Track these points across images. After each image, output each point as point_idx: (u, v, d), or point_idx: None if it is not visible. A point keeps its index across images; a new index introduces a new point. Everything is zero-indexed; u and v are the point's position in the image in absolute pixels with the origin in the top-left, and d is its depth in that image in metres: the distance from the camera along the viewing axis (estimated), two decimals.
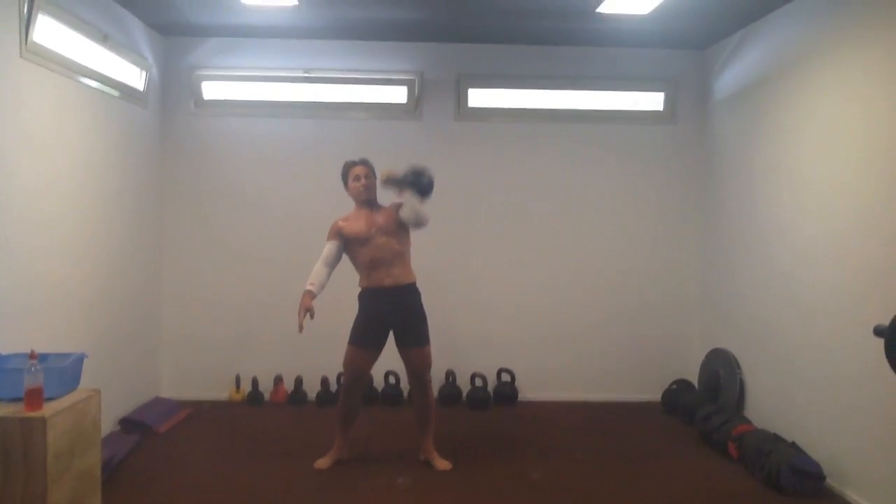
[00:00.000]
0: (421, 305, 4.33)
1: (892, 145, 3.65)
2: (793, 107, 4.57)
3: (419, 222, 4.20)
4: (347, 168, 4.38)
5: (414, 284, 4.33)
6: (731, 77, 5.43)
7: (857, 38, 3.97)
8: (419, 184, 4.19)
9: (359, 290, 4.32)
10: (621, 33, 5.38)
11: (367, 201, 4.31)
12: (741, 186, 5.25)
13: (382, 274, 4.20)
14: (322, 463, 4.31)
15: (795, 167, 4.53)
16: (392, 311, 4.23)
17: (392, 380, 5.68)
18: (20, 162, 3.73)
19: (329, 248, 4.25)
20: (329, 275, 4.23)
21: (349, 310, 4.32)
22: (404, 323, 4.26)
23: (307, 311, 4.07)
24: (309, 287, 4.13)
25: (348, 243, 4.26)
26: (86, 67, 4.40)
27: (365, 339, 4.26)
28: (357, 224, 4.24)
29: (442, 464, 4.31)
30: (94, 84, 4.50)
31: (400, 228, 4.24)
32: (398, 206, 4.25)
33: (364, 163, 4.37)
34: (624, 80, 5.89)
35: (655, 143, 5.94)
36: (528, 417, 5.42)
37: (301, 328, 4.07)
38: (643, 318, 5.98)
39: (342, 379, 4.52)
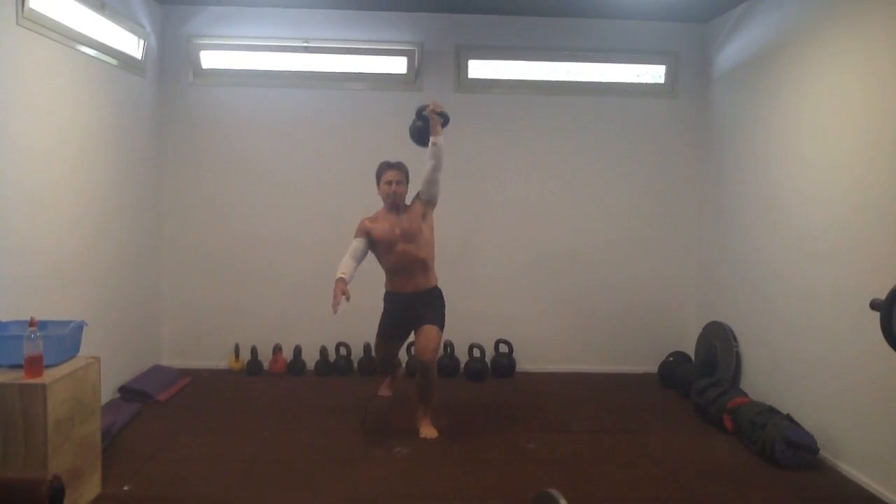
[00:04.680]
0: (439, 300, 4.48)
1: (893, 122, 3.63)
2: (794, 82, 4.53)
3: (444, 114, 4.35)
4: (382, 169, 4.42)
5: (435, 288, 4.49)
6: (732, 51, 5.39)
7: (860, 13, 3.93)
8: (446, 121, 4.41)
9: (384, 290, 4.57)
10: (623, 5, 5.32)
11: (395, 206, 4.39)
12: (741, 161, 5.23)
13: (403, 281, 4.41)
14: (384, 391, 4.96)
15: (796, 143, 4.51)
16: (411, 315, 4.42)
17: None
18: (17, 130, 3.71)
19: (356, 244, 4.37)
20: (356, 268, 4.32)
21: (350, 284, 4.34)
22: (420, 314, 4.38)
23: (343, 293, 4.11)
24: (341, 275, 4.20)
25: (374, 245, 4.40)
26: (83, 35, 4.36)
27: (388, 335, 4.63)
28: (382, 227, 4.35)
29: (426, 432, 4.36)
30: (91, 52, 4.47)
31: (421, 232, 4.36)
32: (420, 207, 4.40)
33: (399, 167, 4.42)
34: (625, 53, 5.84)
35: (656, 116, 5.91)
36: (525, 388, 5.46)
37: (336, 310, 4.09)
38: (641, 290, 6.00)
39: (376, 360, 5.04)
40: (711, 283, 5.75)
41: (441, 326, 4.40)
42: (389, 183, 4.35)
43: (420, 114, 4.41)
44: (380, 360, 4.88)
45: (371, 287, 4.60)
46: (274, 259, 5.79)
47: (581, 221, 5.95)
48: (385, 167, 4.41)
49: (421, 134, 4.40)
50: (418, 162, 4.42)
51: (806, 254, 4.36)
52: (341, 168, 5.77)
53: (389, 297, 4.54)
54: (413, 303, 4.41)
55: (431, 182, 4.37)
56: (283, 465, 3.92)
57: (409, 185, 4.44)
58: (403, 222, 4.34)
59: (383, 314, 4.60)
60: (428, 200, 4.43)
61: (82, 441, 3.25)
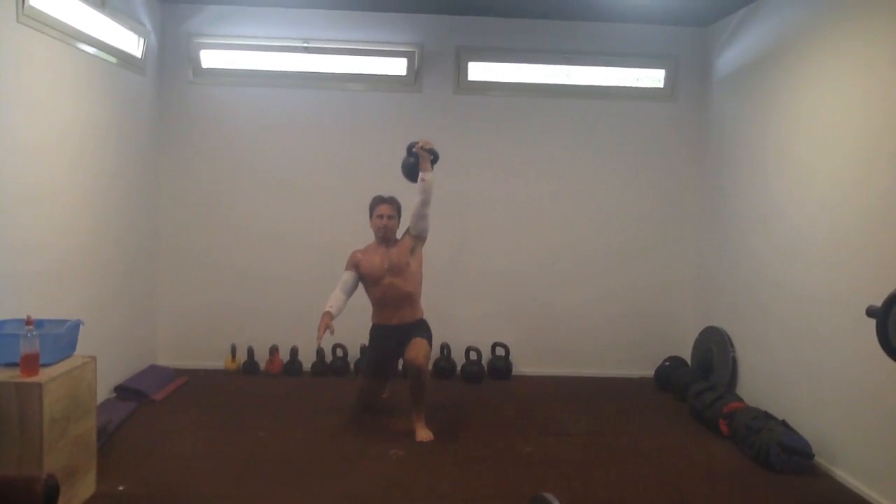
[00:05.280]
0: (426, 328, 4.57)
1: (893, 127, 3.64)
2: (794, 87, 4.54)
3: (433, 151, 4.46)
4: (375, 203, 4.56)
5: (422, 319, 4.58)
6: (732, 55, 5.40)
7: (861, 17, 3.93)
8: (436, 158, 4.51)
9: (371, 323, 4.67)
10: (623, 8, 5.32)
11: (385, 239, 4.52)
12: (740, 166, 5.24)
13: (390, 314, 4.52)
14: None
15: (795, 148, 4.51)
16: (397, 346, 4.51)
17: None
18: (17, 128, 3.70)
19: (346, 276, 4.51)
20: (346, 301, 4.46)
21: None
22: (408, 339, 4.43)
23: (327, 327, 4.24)
24: (328, 309, 4.33)
25: (362, 277, 4.50)
26: (83, 33, 4.35)
27: (374, 371, 4.69)
28: (372, 261, 4.48)
29: (421, 435, 4.35)
30: (91, 50, 4.46)
31: (409, 266, 4.46)
32: (409, 242, 4.51)
33: (391, 201, 4.56)
34: (625, 56, 5.84)
35: (655, 120, 5.92)
36: (521, 391, 5.46)
37: (319, 343, 4.31)
38: (638, 294, 6.00)
39: (356, 398, 4.81)
40: (709, 287, 5.75)
41: (430, 344, 4.49)
42: (381, 217, 4.50)
43: (410, 150, 4.49)
44: (363, 400, 4.75)
45: None
46: (272, 260, 5.78)
47: (579, 225, 5.95)
48: (378, 201, 4.55)
49: (413, 170, 4.49)
50: (412, 186, 4.50)
51: (803, 259, 4.37)
52: (340, 169, 5.77)
53: (376, 330, 4.63)
54: (399, 335, 4.49)
55: (420, 217, 4.48)
56: (279, 464, 3.92)
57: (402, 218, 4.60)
58: (392, 255, 4.45)
59: (369, 348, 4.72)
60: (417, 235, 4.54)
61: (78, 440, 3.24)
